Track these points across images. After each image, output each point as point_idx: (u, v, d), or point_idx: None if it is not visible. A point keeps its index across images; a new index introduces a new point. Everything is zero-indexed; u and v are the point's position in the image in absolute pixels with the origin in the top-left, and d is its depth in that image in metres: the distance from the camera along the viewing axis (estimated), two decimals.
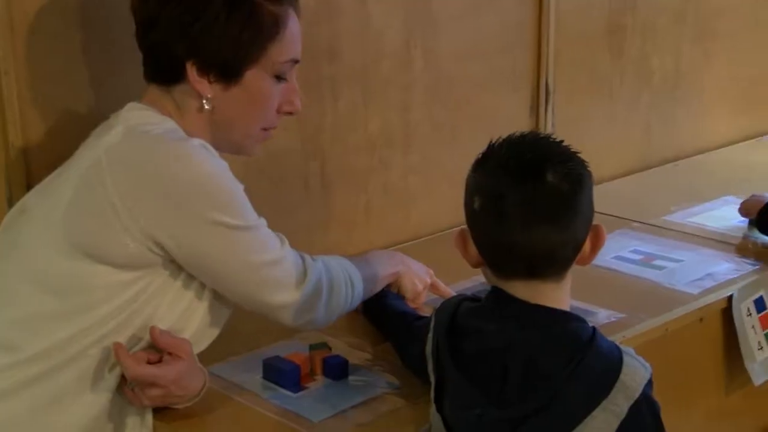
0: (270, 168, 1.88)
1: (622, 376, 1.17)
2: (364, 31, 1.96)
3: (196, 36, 1.35)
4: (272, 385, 1.48)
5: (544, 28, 2.29)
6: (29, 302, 1.32)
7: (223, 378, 1.51)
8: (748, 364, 1.78)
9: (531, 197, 1.18)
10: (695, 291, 1.79)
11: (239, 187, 1.36)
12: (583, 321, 1.24)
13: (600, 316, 1.69)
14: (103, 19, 1.56)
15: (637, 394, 1.17)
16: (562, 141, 1.26)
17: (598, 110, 2.51)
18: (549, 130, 2.37)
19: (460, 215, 2.13)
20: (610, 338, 1.56)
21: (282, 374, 1.48)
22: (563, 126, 2.40)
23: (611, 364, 1.18)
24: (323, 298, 1.43)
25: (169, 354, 1.35)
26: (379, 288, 1.61)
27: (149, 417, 1.39)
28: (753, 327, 1.79)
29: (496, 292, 1.26)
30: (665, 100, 2.67)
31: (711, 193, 2.35)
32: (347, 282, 1.49)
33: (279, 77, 1.43)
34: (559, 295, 1.24)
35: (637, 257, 1.97)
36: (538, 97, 2.34)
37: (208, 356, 1.53)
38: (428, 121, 2.12)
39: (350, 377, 1.50)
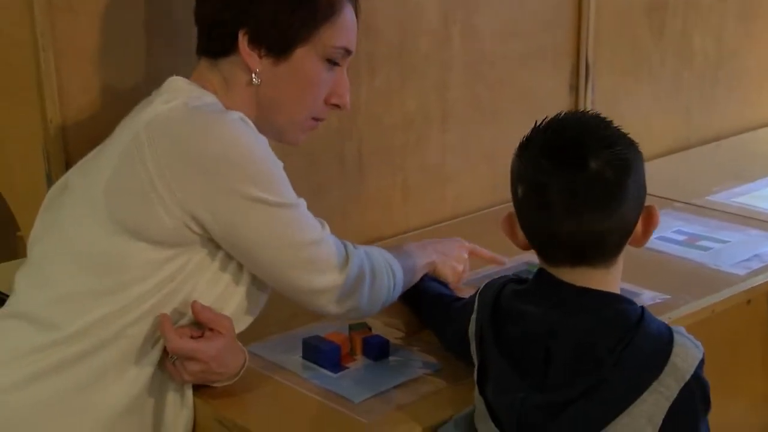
0: (305, 147, 1.84)
1: (672, 357, 1.13)
2: (401, 7, 1.93)
3: (250, 4, 1.34)
4: (312, 365, 1.46)
5: (584, 4, 2.25)
6: (68, 281, 1.31)
7: (262, 357, 1.49)
8: None
9: (574, 186, 1.14)
10: (742, 272, 1.75)
11: (278, 164, 1.34)
12: (631, 302, 1.20)
13: (645, 297, 1.65)
14: None
15: (688, 376, 1.13)
16: (608, 121, 1.20)
17: (639, 89, 2.46)
18: (589, 107, 2.33)
19: (497, 195, 2.14)
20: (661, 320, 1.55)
21: (322, 354, 1.46)
22: (602, 104, 2.35)
23: (661, 345, 1.14)
24: (366, 284, 1.39)
25: (210, 330, 1.33)
26: (416, 279, 1.57)
27: (189, 394, 1.38)
28: None
29: (541, 275, 1.22)
30: (707, 80, 2.62)
31: (754, 173, 2.30)
32: (388, 270, 1.45)
33: (330, 62, 1.40)
34: (609, 279, 1.20)
35: (681, 237, 1.93)
36: (578, 75, 2.30)
37: (246, 336, 1.52)
38: (467, 99, 2.09)
39: (390, 358, 1.48)
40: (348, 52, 1.42)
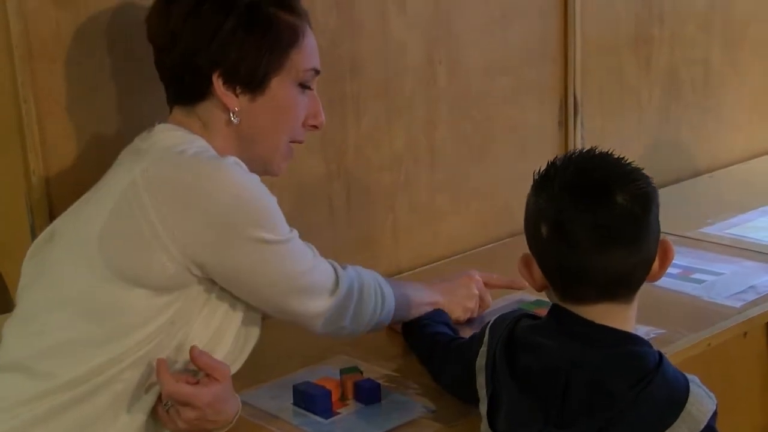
0: (294, 189, 1.85)
1: (688, 406, 1.13)
2: (385, 47, 1.93)
3: (219, 46, 1.34)
4: (303, 412, 1.44)
5: (570, 39, 2.25)
6: (64, 329, 1.30)
7: (252, 405, 1.46)
8: None
9: (603, 221, 1.13)
10: (737, 304, 1.73)
11: (273, 201, 1.36)
12: (650, 345, 1.19)
13: (640, 332, 1.59)
14: (123, 45, 1.54)
15: (702, 426, 1.12)
16: (623, 158, 1.20)
17: (628, 123, 2.46)
18: (578, 143, 2.32)
19: (490, 232, 2.12)
20: None
21: (312, 400, 1.43)
22: (592, 139, 2.35)
23: (678, 393, 1.14)
24: (353, 303, 1.43)
25: (207, 376, 1.31)
26: (415, 313, 1.57)
27: None
28: None
29: (558, 310, 1.21)
30: (696, 111, 2.62)
31: (749, 204, 2.29)
32: (377, 292, 1.48)
33: (303, 86, 1.42)
34: (628, 314, 1.20)
35: (675, 271, 1.91)
36: (566, 110, 2.30)
37: (235, 383, 1.50)
38: (454, 136, 2.08)
39: (383, 401, 1.45)
40: (317, 72, 1.45)
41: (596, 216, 1.13)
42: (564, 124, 2.30)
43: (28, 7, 1.45)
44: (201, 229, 1.27)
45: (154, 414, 1.32)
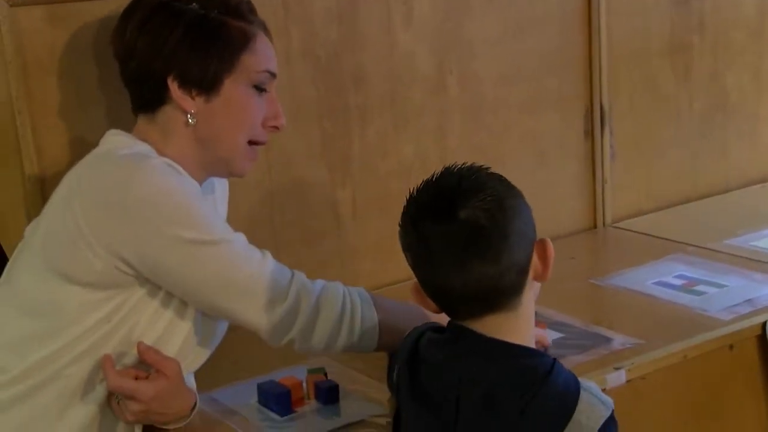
0: (296, 197, 1.91)
1: (576, 415, 1.12)
2: (390, 58, 1.97)
3: (170, 52, 1.41)
4: (264, 409, 1.50)
5: (594, 47, 2.23)
6: (13, 326, 1.39)
7: (219, 402, 1.54)
8: None
9: (451, 237, 1.14)
10: (727, 317, 1.70)
11: (204, 204, 1.39)
12: (542, 356, 1.19)
13: (615, 342, 1.63)
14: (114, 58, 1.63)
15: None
16: (479, 168, 1.21)
17: (665, 131, 2.42)
18: (607, 152, 2.31)
19: None
20: (621, 365, 1.53)
21: (272, 398, 1.49)
22: (624, 148, 2.34)
23: (567, 402, 1.13)
24: (300, 322, 1.40)
25: (157, 371, 1.38)
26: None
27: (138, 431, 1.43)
28: None
29: (455, 325, 1.22)
30: (747, 119, 2.55)
31: None
32: (345, 314, 1.42)
33: (258, 88, 1.46)
34: (518, 325, 1.19)
35: (679, 282, 1.89)
36: (592, 119, 2.28)
37: (213, 381, 1.58)
38: (468, 145, 2.10)
39: (342, 402, 1.50)
40: (272, 75, 1.48)
41: (444, 232, 1.14)
42: (590, 133, 2.29)
43: (22, 26, 1.56)
44: (121, 227, 1.32)
45: (106, 406, 1.39)
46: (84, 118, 1.64)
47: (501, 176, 1.20)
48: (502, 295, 1.17)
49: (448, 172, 1.20)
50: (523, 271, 1.18)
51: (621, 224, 2.33)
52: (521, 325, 1.20)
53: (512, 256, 1.15)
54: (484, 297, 1.17)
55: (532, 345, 1.22)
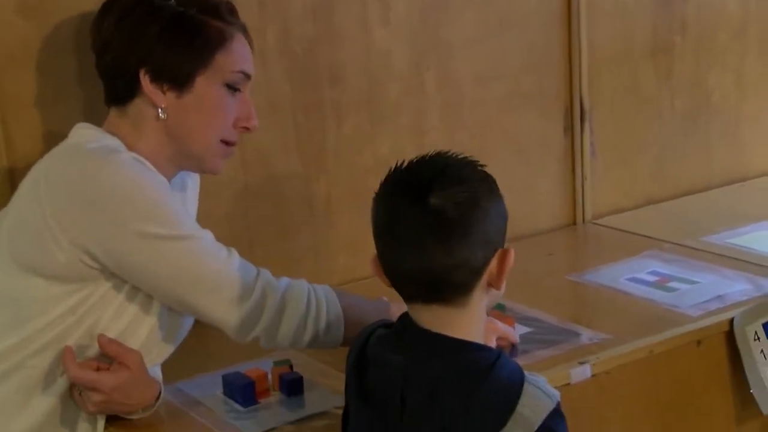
0: (270, 190, 1.92)
1: (519, 408, 1.11)
2: (367, 55, 1.98)
3: (145, 47, 1.42)
4: (229, 400, 1.51)
5: (574, 48, 2.24)
6: None
7: (185, 392, 1.55)
8: (756, 392, 1.67)
9: (416, 221, 1.14)
10: (696, 313, 1.70)
11: (171, 199, 1.40)
12: (487, 350, 1.18)
13: (583, 337, 1.63)
14: (89, 52, 1.64)
15: (536, 426, 1.11)
16: (470, 161, 1.20)
17: (646, 131, 2.42)
18: (587, 150, 2.31)
19: None
20: (586, 360, 1.54)
21: (236, 389, 1.50)
22: (604, 147, 2.34)
23: (509, 395, 1.12)
24: (265, 319, 1.41)
25: (119, 363, 1.38)
26: None
27: (101, 424, 1.44)
28: (762, 352, 1.68)
29: (402, 320, 1.23)
30: (729, 120, 2.56)
31: None
32: (310, 311, 1.43)
33: (231, 88, 1.47)
34: (465, 321, 1.19)
35: (653, 279, 1.89)
36: (572, 118, 2.29)
37: (180, 373, 1.58)
38: (445, 143, 2.04)
39: (306, 393, 1.51)
40: (247, 76, 1.49)
41: (411, 215, 1.14)
42: (570, 130, 2.30)
43: None
44: (86, 221, 1.33)
45: (69, 397, 1.40)
46: (56, 111, 1.65)
47: (490, 178, 1.20)
48: (450, 288, 1.17)
49: (439, 155, 1.20)
50: (477, 273, 1.17)
51: (601, 221, 2.33)
52: (466, 323, 1.19)
53: (467, 255, 1.15)
54: (433, 285, 1.17)
55: (481, 341, 1.21)
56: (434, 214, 1.14)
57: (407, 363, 1.17)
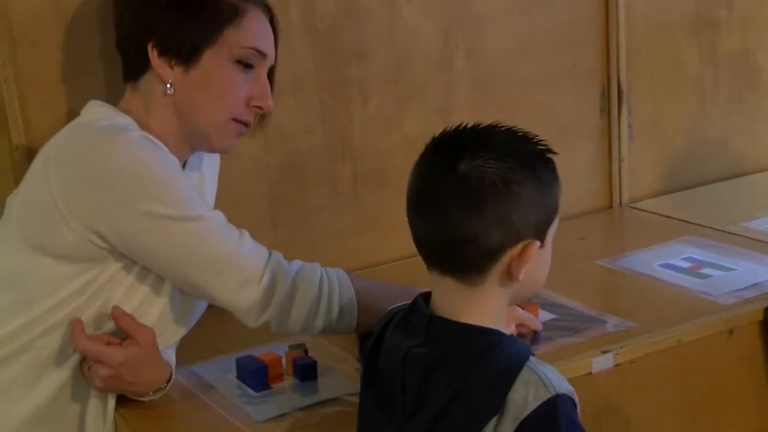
0: (293, 171, 1.88)
1: (511, 393, 1.05)
2: (393, 32, 1.93)
3: (153, 18, 1.39)
4: (242, 384, 1.48)
5: (611, 23, 2.17)
6: None
7: (199, 375, 1.52)
8: None
9: (442, 185, 1.09)
10: (729, 301, 1.63)
11: (182, 179, 1.37)
12: (491, 333, 1.11)
13: (608, 325, 1.57)
14: (105, 27, 1.62)
15: (522, 416, 1.04)
16: (522, 138, 1.13)
17: (687, 110, 2.34)
18: (624, 131, 2.24)
19: None
20: (609, 348, 1.48)
21: (249, 373, 1.47)
22: (642, 127, 2.26)
23: (504, 379, 1.06)
24: (276, 302, 1.37)
25: (130, 339, 1.36)
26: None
27: (111, 403, 1.42)
28: None
29: (416, 301, 1.17)
30: None
31: None
32: (322, 295, 1.39)
33: (243, 65, 1.43)
34: (475, 301, 1.12)
35: (686, 265, 1.82)
36: (609, 97, 2.22)
37: (197, 354, 1.56)
38: (476, 121, 2.05)
39: (320, 379, 1.47)
40: (261, 53, 1.44)
41: (437, 175, 1.10)
42: (607, 110, 2.22)
43: None
44: (94, 201, 1.31)
45: (79, 376, 1.39)
46: (75, 89, 1.63)
47: (543, 166, 1.12)
48: (459, 262, 1.11)
49: (494, 126, 1.14)
50: (490, 255, 1.10)
51: (638, 204, 2.26)
52: (478, 304, 1.12)
53: (479, 232, 1.08)
54: (443, 255, 1.12)
55: (496, 327, 1.15)
56: (459, 180, 1.08)
57: (410, 346, 1.12)
